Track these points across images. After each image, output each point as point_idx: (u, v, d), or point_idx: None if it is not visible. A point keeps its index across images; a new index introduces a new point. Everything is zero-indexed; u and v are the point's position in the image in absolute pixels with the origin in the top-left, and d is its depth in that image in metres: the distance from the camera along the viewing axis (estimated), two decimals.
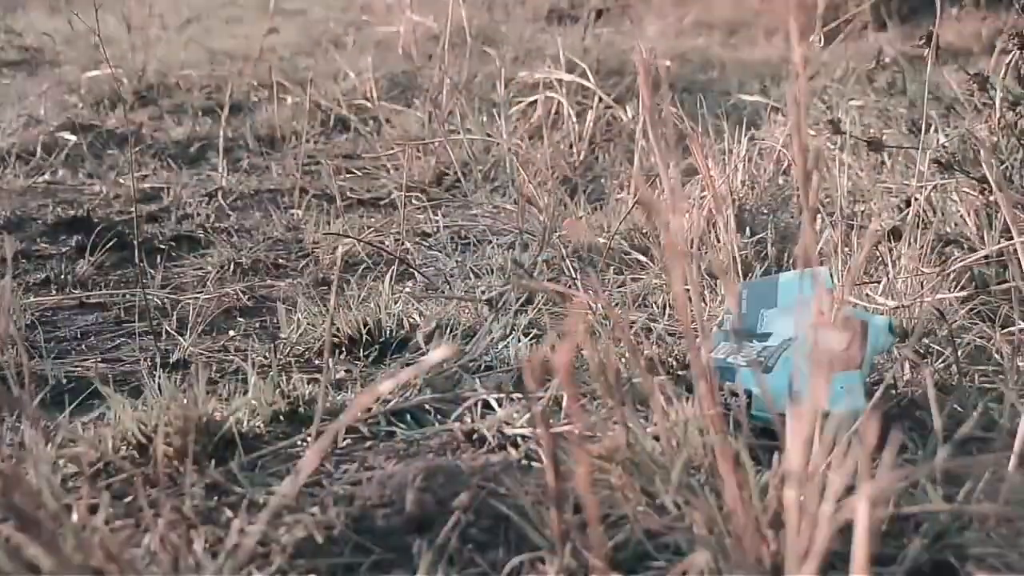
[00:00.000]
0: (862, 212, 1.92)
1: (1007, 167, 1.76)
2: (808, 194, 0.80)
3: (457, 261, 1.88)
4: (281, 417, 1.18)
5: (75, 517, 0.87)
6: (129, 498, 0.98)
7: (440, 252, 1.96)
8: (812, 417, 0.66)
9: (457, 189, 2.46)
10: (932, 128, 2.08)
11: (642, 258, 1.81)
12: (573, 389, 0.64)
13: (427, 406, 1.20)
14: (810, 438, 0.69)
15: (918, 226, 1.65)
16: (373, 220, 2.23)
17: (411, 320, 1.51)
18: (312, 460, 0.70)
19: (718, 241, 1.71)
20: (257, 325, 1.64)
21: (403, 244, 2.00)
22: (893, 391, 1.22)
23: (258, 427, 1.15)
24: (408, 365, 1.39)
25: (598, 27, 3.81)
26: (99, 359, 1.49)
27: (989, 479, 0.96)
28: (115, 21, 3.85)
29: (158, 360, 1.46)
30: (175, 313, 1.69)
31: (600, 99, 2.62)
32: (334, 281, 1.34)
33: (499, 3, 4.69)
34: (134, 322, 1.61)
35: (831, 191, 1.94)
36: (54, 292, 1.83)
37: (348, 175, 2.64)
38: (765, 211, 1.94)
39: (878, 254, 1.60)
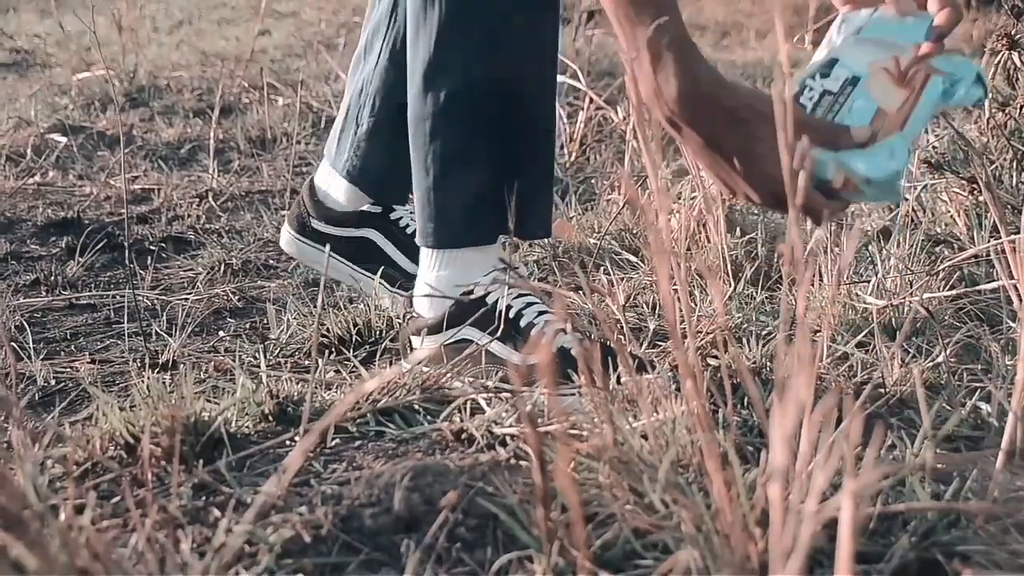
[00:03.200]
0: (852, 212, 1.93)
1: (996, 167, 1.77)
2: (794, 193, 0.80)
3: None
4: (270, 417, 1.18)
5: (61, 517, 0.87)
6: (116, 498, 0.98)
7: None
8: (798, 413, 0.66)
9: None
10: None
11: (632, 258, 1.81)
12: (555, 387, 0.64)
13: (416, 405, 1.20)
14: (795, 435, 0.69)
15: (908, 226, 1.66)
16: None
17: (400, 321, 1.51)
18: (297, 459, 0.70)
19: (708, 241, 1.72)
20: (247, 326, 1.64)
21: None
22: (882, 390, 1.22)
23: (246, 427, 1.15)
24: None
25: (590, 29, 3.82)
26: (88, 360, 1.48)
27: (977, 477, 0.97)
28: (106, 22, 3.85)
29: (147, 361, 1.46)
30: (165, 314, 1.69)
31: (591, 100, 2.63)
32: (322, 281, 1.34)
33: None
34: (124, 323, 1.61)
35: None
36: (44, 293, 1.83)
37: None
38: (755, 211, 1.95)
39: (868, 253, 1.61)
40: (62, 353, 1.53)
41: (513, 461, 1.04)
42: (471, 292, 1.37)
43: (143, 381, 1.17)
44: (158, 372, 1.39)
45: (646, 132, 0.97)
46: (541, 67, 1.38)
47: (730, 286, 1.58)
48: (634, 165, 2.24)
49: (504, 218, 1.36)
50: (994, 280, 1.47)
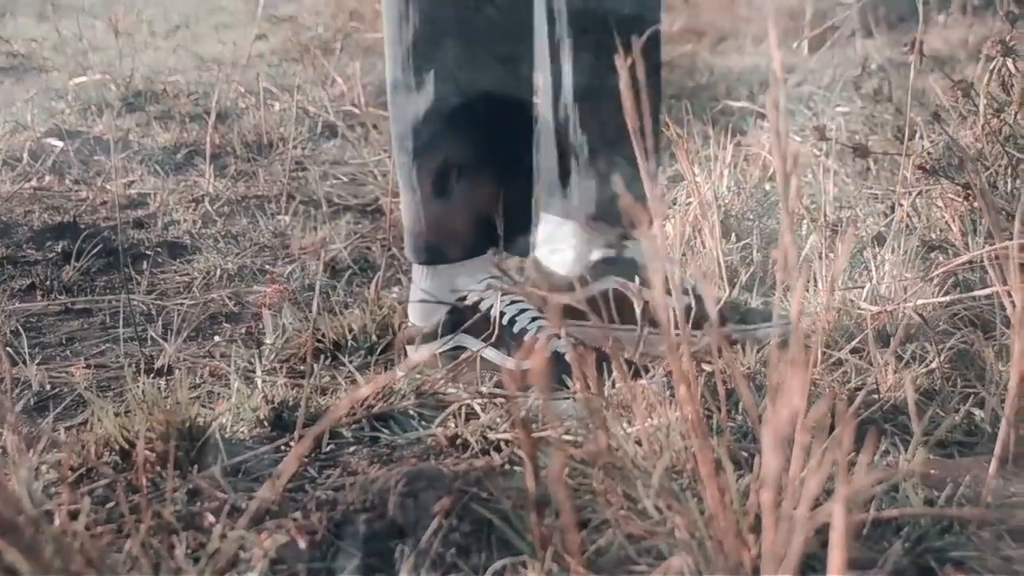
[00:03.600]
0: (847, 218, 1.93)
1: (991, 173, 1.77)
2: (788, 198, 0.80)
3: None
4: (265, 422, 1.18)
5: (56, 523, 0.87)
6: (111, 504, 0.98)
7: None
8: (791, 419, 0.67)
9: None
10: (917, 134, 2.09)
11: None
12: (549, 392, 0.64)
13: (411, 411, 1.20)
14: (789, 440, 0.69)
15: (902, 232, 1.66)
16: (360, 226, 2.23)
17: (394, 327, 1.51)
18: (292, 464, 0.70)
19: (703, 247, 1.72)
20: (243, 331, 1.64)
21: (390, 250, 2.00)
22: (876, 396, 1.23)
23: (241, 432, 1.15)
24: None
25: None
26: (84, 365, 1.48)
27: (971, 483, 0.97)
28: (103, 27, 3.85)
29: (143, 366, 1.46)
30: (160, 319, 1.69)
31: None
32: (317, 286, 1.34)
33: None
34: (119, 328, 1.61)
35: (817, 197, 1.94)
36: (39, 298, 1.82)
37: (335, 181, 2.64)
38: (751, 217, 1.95)
39: (862, 259, 1.61)
40: (57, 358, 1.53)
41: (507, 467, 1.04)
42: (464, 299, 1.37)
43: (138, 386, 1.17)
44: (153, 377, 1.39)
45: (639, 138, 0.97)
46: (518, 71, 1.38)
47: (725, 291, 1.58)
48: None
49: (493, 228, 1.36)
50: (988, 286, 1.48)
